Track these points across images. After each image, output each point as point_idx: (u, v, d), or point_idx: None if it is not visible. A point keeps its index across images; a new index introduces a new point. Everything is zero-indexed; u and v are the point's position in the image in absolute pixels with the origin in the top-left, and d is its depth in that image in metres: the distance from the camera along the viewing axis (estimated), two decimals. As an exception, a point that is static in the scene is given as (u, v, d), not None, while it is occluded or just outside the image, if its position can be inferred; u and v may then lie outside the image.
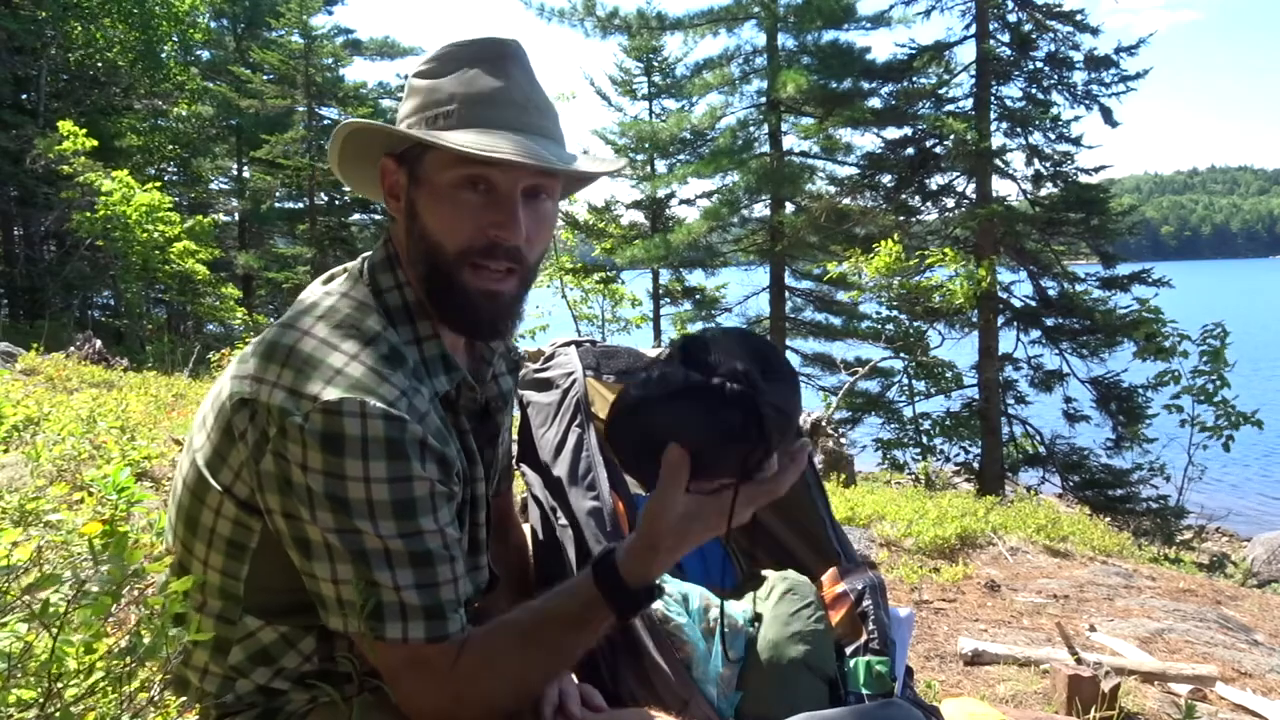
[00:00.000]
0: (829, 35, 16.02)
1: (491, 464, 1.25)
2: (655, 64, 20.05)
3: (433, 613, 1.01)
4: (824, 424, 8.66)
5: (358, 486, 0.96)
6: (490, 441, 1.25)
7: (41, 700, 0.93)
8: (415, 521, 1.00)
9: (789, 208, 17.05)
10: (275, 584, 1.07)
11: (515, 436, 1.81)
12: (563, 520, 1.49)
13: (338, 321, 1.05)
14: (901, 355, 15.02)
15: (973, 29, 14.02)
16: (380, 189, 1.15)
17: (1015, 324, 14.57)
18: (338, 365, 0.99)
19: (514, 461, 1.81)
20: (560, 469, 1.58)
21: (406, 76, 1.16)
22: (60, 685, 0.93)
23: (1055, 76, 14.12)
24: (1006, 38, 14.23)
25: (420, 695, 1.05)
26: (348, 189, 22.54)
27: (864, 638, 1.64)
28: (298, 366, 0.99)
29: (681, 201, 20.14)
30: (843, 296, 17.04)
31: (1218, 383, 12.15)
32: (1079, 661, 2.83)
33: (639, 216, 20.38)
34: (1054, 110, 14.05)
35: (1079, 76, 14.02)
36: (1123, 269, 14.13)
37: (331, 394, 0.96)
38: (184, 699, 1.14)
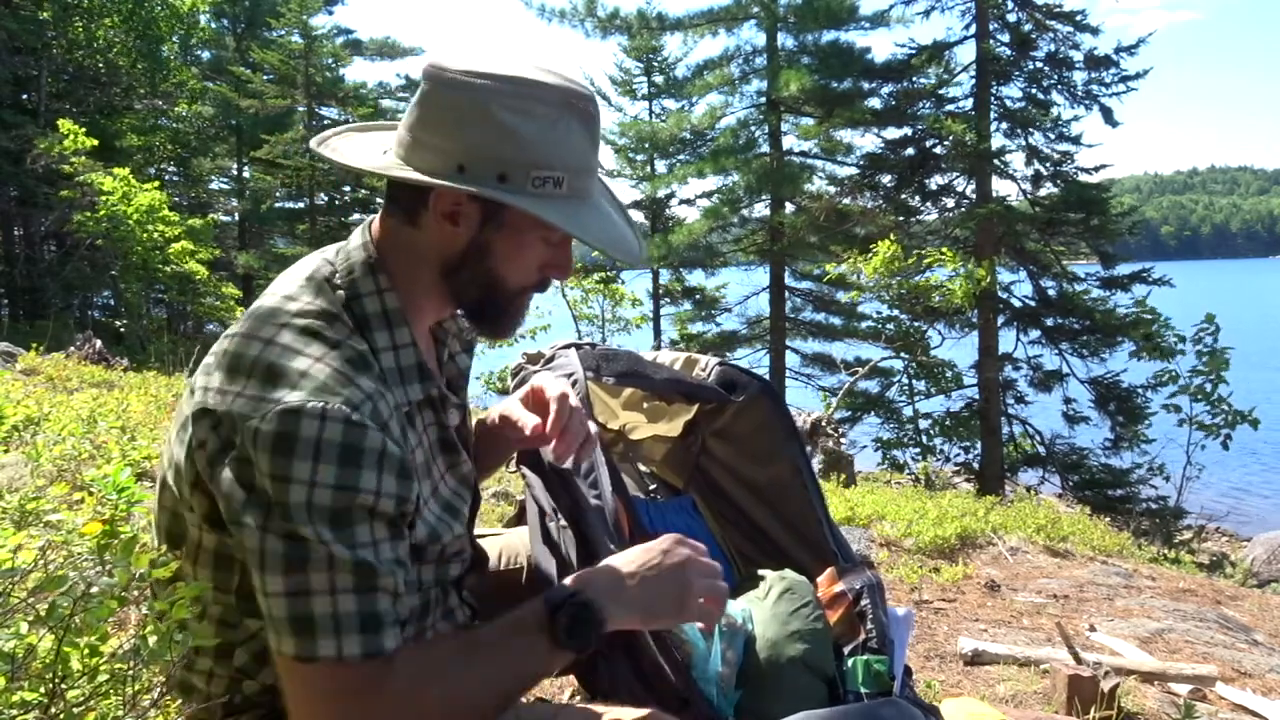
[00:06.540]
0: (829, 35, 16.04)
1: (469, 442, 1.29)
2: (655, 64, 20.09)
3: (369, 624, 0.97)
4: (824, 424, 8.65)
5: (300, 489, 0.94)
6: (464, 422, 1.28)
7: (45, 701, 0.93)
8: (351, 532, 0.97)
9: (789, 208, 17.06)
10: None
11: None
12: (562, 521, 1.49)
13: (302, 328, 1.04)
14: (901, 355, 15.01)
15: (973, 29, 14.02)
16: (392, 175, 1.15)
17: (1015, 324, 14.57)
18: (302, 368, 0.99)
19: (514, 463, 1.81)
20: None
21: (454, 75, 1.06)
22: (64, 686, 0.93)
23: (1055, 76, 14.13)
24: (1006, 38, 14.24)
25: None
26: (347, 188, 22.91)
27: (862, 637, 1.65)
28: (262, 375, 0.98)
29: (681, 201, 20.20)
30: (843, 296, 17.04)
31: (1215, 380, 12.14)
32: (1079, 661, 2.83)
33: (639, 216, 20.39)
34: (1054, 110, 14.06)
35: (1079, 76, 14.05)
36: (1123, 269, 14.14)
37: (294, 397, 0.96)
38: (181, 702, 1.14)
